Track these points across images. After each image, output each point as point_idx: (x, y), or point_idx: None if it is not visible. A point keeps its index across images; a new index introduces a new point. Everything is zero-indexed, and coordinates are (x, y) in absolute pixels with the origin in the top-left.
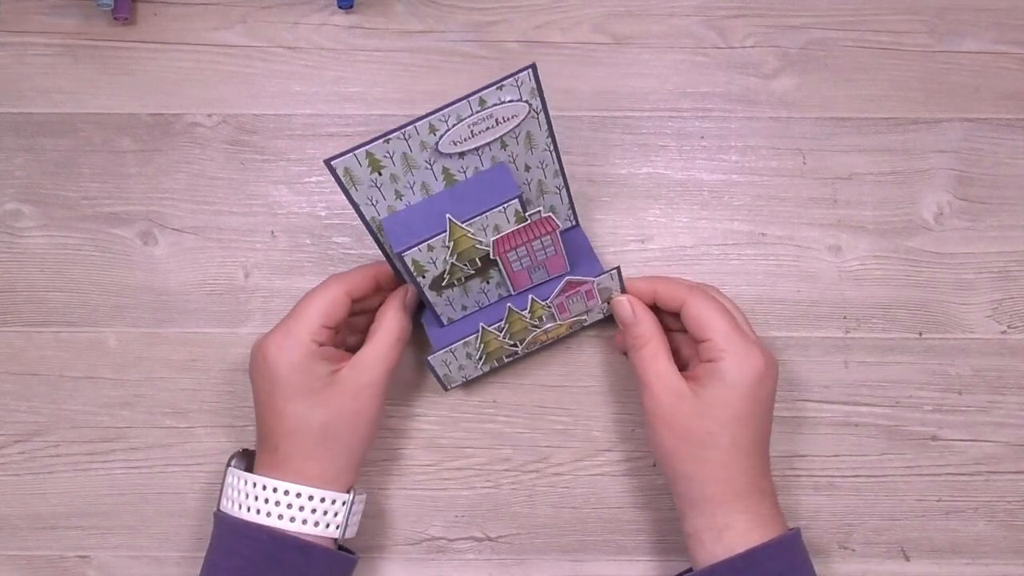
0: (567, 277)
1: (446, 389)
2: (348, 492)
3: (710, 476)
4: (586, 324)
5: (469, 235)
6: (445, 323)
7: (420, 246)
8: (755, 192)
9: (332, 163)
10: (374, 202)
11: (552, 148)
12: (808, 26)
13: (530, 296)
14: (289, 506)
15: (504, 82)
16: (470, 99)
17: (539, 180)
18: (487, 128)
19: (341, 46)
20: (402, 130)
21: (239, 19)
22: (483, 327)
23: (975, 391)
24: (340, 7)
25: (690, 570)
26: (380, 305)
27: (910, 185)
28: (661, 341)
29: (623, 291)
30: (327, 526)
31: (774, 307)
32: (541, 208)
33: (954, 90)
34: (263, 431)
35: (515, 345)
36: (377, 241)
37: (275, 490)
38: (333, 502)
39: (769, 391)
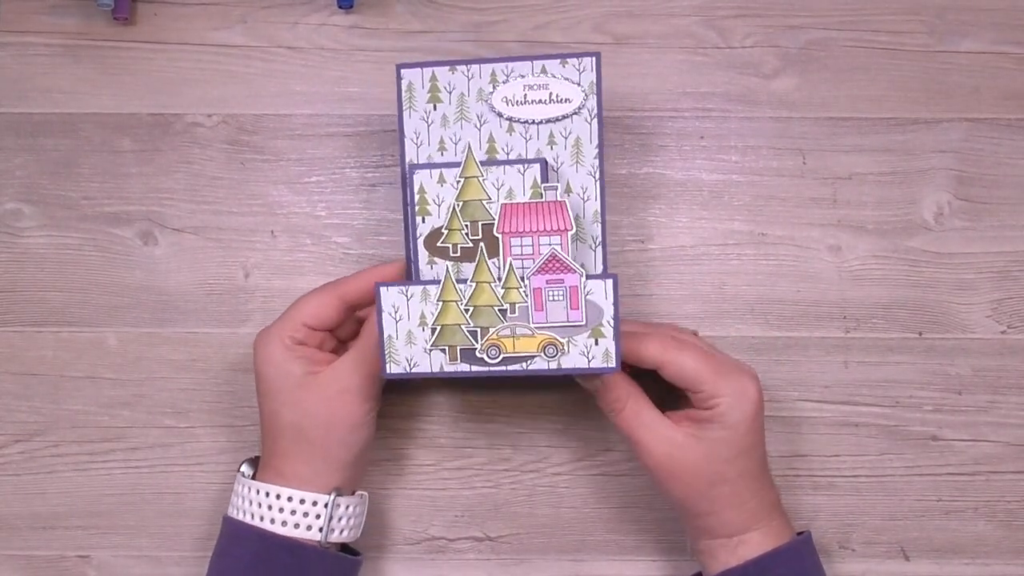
0: (553, 248)
1: (385, 372)
2: (330, 494)
3: (723, 508)
4: (564, 364)
5: (480, 181)
6: None
7: (432, 171)
8: (755, 192)
9: (403, 69)
10: (418, 141)
11: (598, 174)
12: (808, 26)
13: (509, 260)
14: (270, 507)
15: (568, 59)
16: (533, 61)
17: (577, 216)
18: (540, 100)
19: (341, 46)
20: (467, 64)
21: (239, 19)
22: (448, 269)
23: (975, 391)
24: (340, 7)
25: (699, 574)
26: None
27: (910, 185)
28: (639, 395)
29: (618, 318)
30: (308, 528)
31: (774, 307)
32: (558, 187)
33: (954, 90)
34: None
35: (475, 333)
36: (404, 198)
37: (258, 491)
38: (314, 503)
39: (762, 413)
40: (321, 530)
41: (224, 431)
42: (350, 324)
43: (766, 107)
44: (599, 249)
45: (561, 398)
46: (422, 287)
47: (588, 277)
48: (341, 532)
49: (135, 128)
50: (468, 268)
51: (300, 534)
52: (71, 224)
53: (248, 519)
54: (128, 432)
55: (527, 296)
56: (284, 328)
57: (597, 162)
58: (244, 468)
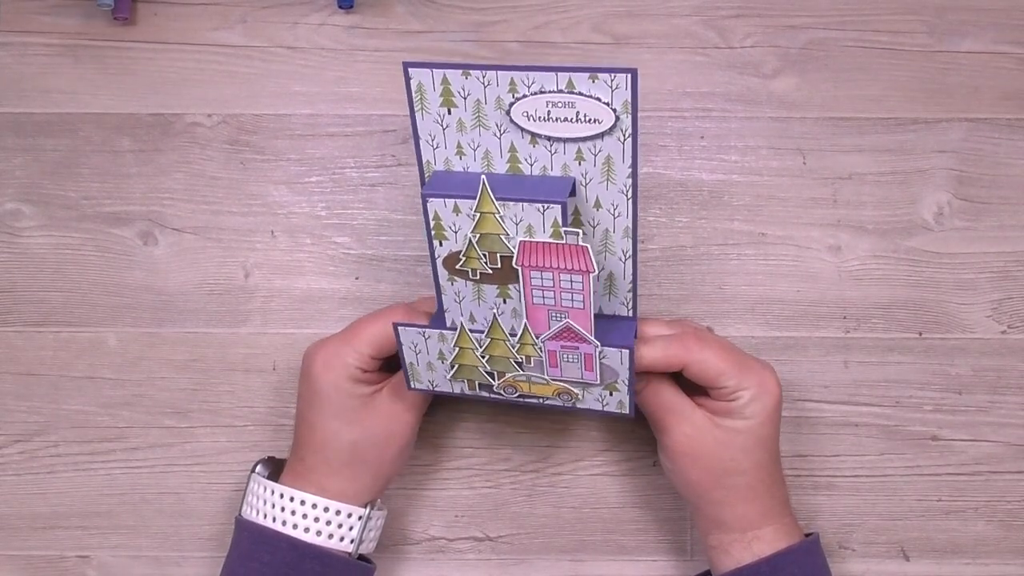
0: (567, 321)
1: (409, 386)
2: (365, 507)
3: (738, 499)
4: (578, 405)
5: (497, 217)
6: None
7: (446, 200)
8: (755, 192)
9: (411, 68)
10: (434, 144)
11: (630, 193)
12: (808, 26)
13: (524, 321)
14: (305, 516)
15: (599, 73)
16: (558, 72)
17: (606, 230)
18: (566, 119)
19: (341, 46)
20: (482, 70)
21: (239, 19)
22: (463, 324)
23: (975, 391)
24: (340, 7)
25: (708, 572)
26: None
27: (910, 185)
28: (661, 377)
29: (632, 379)
30: (341, 539)
31: (774, 307)
32: (581, 232)
33: (954, 90)
34: (296, 439)
35: (491, 376)
36: (424, 208)
37: (292, 499)
38: (349, 515)
39: (780, 408)
40: (353, 541)
41: (224, 431)
42: None
43: (766, 107)
44: (629, 261)
45: None
46: (438, 332)
47: (603, 345)
48: (368, 544)
49: (135, 128)
50: (490, 290)
51: (332, 544)
52: (71, 224)
53: (271, 523)
54: (128, 432)
55: (542, 352)
56: (353, 356)
57: (630, 181)
58: (260, 468)
